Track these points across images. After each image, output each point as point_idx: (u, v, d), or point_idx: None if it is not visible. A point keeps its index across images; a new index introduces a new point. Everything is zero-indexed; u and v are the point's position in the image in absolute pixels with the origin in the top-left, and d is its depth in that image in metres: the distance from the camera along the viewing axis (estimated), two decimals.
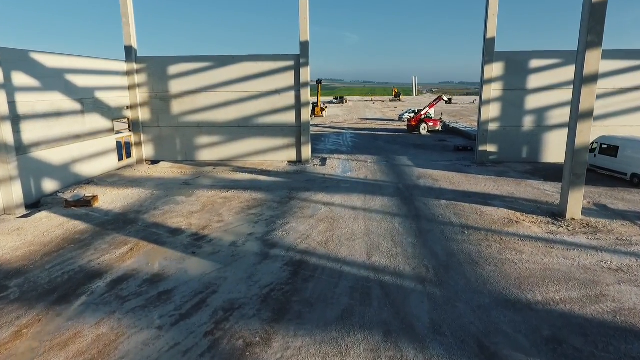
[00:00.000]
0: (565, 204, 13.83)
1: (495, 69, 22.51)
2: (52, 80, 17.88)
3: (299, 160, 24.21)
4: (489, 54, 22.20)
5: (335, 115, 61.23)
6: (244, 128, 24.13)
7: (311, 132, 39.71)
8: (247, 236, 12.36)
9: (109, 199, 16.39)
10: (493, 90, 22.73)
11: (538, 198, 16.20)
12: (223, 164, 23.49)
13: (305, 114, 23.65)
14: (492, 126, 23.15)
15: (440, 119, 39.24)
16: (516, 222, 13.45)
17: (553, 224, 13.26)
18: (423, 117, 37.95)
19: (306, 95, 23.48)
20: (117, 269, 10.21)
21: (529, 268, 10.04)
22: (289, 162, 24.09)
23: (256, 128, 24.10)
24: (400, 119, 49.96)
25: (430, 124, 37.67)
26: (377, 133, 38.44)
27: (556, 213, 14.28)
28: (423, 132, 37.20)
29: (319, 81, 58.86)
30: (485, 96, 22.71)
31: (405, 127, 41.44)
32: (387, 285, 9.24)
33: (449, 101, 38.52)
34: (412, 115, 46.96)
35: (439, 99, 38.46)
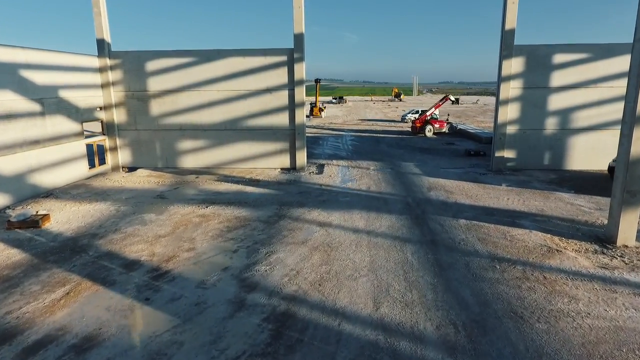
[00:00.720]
0: (616, 227, 11.24)
1: (515, 65, 19.92)
2: (2, 76, 15.28)
3: (293, 168, 21.62)
4: (508, 47, 19.61)
5: (335, 115, 58.66)
6: (231, 131, 21.52)
7: (308, 134, 37.17)
8: (221, 272, 9.76)
9: (64, 218, 13.78)
10: (512, 89, 20.13)
11: (574, 216, 13.60)
12: (208, 172, 20.88)
13: (300, 115, 21.05)
14: (510, 129, 20.55)
15: (447, 120, 36.64)
16: (557, 250, 10.85)
17: (603, 253, 10.67)
18: (428, 118, 35.35)
19: (301, 94, 20.88)
20: (39, 326, 7.60)
21: (592, 326, 7.44)
22: (281, 169, 21.49)
23: (245, 131, 21.49)
24: (403, 119, 47.40)
25: (437, 125, 35.08)
26: (379, 135, 35.85)
27: (602, 237, 11.69)
28: (429, 134, 34.61)
29: (317, 80, 56.28)
30: (502, 95, 20.11)
31: (409, 129, 38.90)
32: (404, 358, 6.65)
33: (456, 101, 35.94)
34: (417, 116, 44.43)
35: (446, 98, 35.89)
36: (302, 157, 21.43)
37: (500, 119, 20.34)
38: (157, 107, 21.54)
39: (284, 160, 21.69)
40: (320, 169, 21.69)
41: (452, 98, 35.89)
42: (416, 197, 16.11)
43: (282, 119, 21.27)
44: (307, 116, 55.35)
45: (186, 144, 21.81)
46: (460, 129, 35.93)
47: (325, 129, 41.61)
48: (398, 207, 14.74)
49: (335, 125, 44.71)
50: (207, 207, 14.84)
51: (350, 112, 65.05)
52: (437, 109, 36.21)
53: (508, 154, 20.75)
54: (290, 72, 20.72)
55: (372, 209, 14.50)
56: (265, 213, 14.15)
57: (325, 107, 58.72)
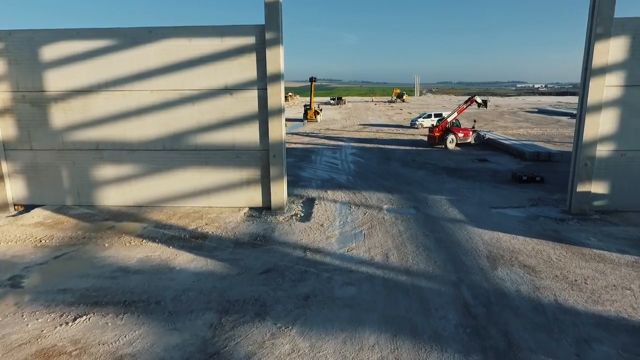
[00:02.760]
0: None
1: (614, 50, 12.66)
2: None
3: (267, 207, 14.32)
4: (604, 21, 12.34)
5: (332, 119, 51.38)
6: (172, 152, 14.24)
7: (299, 146, 29.80)
8: None
9: None
10: (607, 88, 12.87)
11: None
12: (135, 216, 13.57)
13: (277, 128, 13.74)
14: (601, 150, 13.28)
15: (473, 127, 29.32)
16: None
17: None
18: (449, 125, 28.08)
19: (278, 95, 13.57)
20: None
21: None
22: (250, 209, 14.20)
23: (193, 153, 14.20)
24: (413, 125, 40.16)
25: (460, 134, 27.79)
26: (387, 147, 28.55)
27: None
28: (450, 145, 27.31)
29: (312, 79, 49.01)
30: (592, 98, 12.84)
31: (423, 137, 31.66)
32: None
33: (484, 104, 28.72)
34: (430, 121, 37.34)
35: (471, 101, 28.59)
36: (280, 192, 14.13)
37: (588, 134, 13.04)
38: (61, 115, 14.23)
39: (253, 196, 14.39)
40: (308, 208, 14.40)
41: (479, 100, 28.61)
42: (476, 284, 8.81)
43: (250, 134, 13.98)
44: (300, 120, 48.11)
45: (107, 171, 14.50)
46: (489, 138, 28.65)
47: (320, 137, 34.32)
48: (452, 323, 7.42)
49: (332, 132, 37.42)
50: (74, 321, 7.52)
51: (350, 115, 57.79)
52: (460, 114, 28.86)
53: (597, 188, 13.47)
54: (261, 62, 13.43)
55: (402, 327, 7.21)
56: (183, 344, 6.84)
57: (321, 110, 51.40)
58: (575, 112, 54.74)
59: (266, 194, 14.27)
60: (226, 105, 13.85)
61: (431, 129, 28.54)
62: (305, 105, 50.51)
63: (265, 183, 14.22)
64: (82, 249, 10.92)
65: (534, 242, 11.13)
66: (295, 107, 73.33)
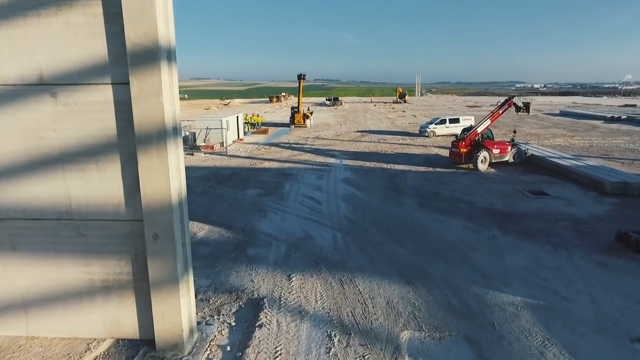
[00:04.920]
0: None
1: None
2: None
3: (149, 340, 6.54)
4: None
5: (325, 124, 43.60)
6: None
7: (274, 165, 22.04)
8: None
9: None
10: None
11: None
12: None
13: (160, 171, 5.93)
14: None
15: (513, 139, 21.51)
16: None
17: None
18: (479, 138, 20.33)
19: (157, 97, 5.76)
20: None
21: None
22: (117, 345, 6.44)
23: None
24: (422, 132, 32.41)
25: (496, 150, 19.99)
26: (393, 166, 20.77)
27: None
28: (482, 166, 19.55)
29: (300, 76, 41.21)
30: None
31: (440, 150, 23.95)
32: None
33: (526, 108, 20.76)
34: (450, 128, 29.85)
35: (508, 104, 20.90)
36: (172, 311, 6.33)
37: None
38: None
39: (120, 318, 6.62)
40: (241, 338, 6.64)
41: (519, 103, 20.85)
42: None
43: (100, 186, 6.21)
44: (287, 125, 40.42)
45: None
46: (532, 155, 20.88)
47: (305, 150, 26.52)
48: None
49: (322, 143, 29.62)
50: None
51: (347, 119, 49.99)
52: (493, 122, 21.11)
53: None
54: (114, 20, 5.68)
55: None
56: None
57: (312, 113, 43.53)
58: (609, 115, 47.23)
59: (145, 312, 6.52)
60: (46, 122, 6.09)
61: (455, 142, 20.76)
62: (292, 108, 42.75)
63: (143, 290, 6.48)
64: None
65: None
66: (287, 109, 65.63)
